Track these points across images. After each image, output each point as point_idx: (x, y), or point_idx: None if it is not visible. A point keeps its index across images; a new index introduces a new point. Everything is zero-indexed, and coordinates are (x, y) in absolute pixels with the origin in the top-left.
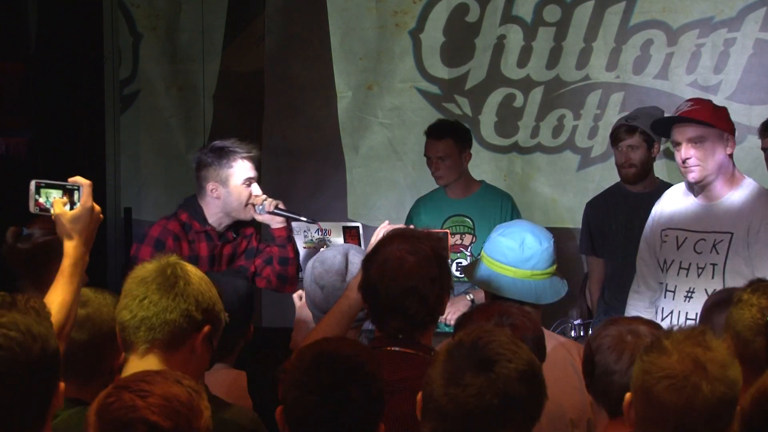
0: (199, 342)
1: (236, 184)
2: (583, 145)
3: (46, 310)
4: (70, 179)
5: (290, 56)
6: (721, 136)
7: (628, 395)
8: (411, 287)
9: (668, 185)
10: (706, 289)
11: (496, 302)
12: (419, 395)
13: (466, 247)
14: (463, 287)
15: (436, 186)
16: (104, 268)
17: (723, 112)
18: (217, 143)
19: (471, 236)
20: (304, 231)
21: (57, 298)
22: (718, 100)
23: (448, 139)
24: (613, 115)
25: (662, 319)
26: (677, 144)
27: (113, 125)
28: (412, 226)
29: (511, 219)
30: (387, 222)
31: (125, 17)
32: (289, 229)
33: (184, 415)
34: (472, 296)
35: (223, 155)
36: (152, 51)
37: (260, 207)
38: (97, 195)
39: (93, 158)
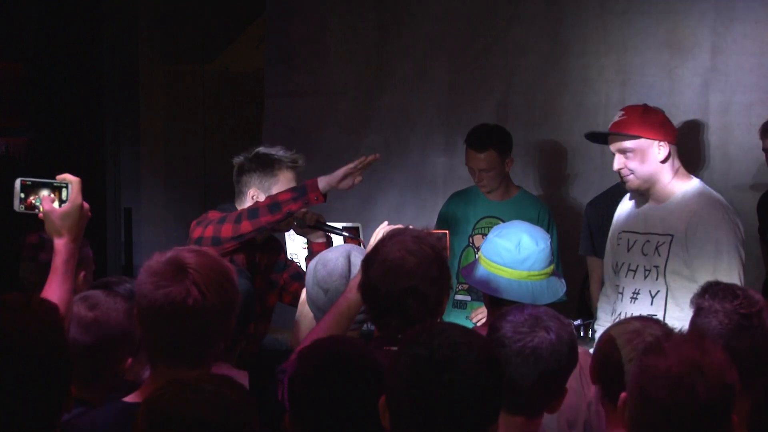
0: (221, 348)
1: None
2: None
3: (59, 314)
4: (59, 176)
5: (290, 57)
6: (651, 144)
7: (623, 395)
8: (411, 287)
9: None
10: (650, 291)
11: (530, 305)
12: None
13: None
14: None
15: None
16: (104, 269)
17: (656, 118)
18: (262, 150)
19: None
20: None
21: (53, 296)
22: (718, 100)
23: (490, 151)
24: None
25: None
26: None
27: (113, 125)
28: (411, 226)
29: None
30: (386, 222)
31: (128, 16)
32: (329, 245)
33: (233, 415)
34: None
35: (268, 163)
36: (154, 51)
37: (300, 220)
38: (97, 195)
39: (93, 158)
